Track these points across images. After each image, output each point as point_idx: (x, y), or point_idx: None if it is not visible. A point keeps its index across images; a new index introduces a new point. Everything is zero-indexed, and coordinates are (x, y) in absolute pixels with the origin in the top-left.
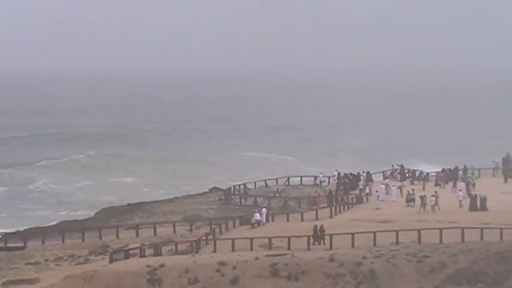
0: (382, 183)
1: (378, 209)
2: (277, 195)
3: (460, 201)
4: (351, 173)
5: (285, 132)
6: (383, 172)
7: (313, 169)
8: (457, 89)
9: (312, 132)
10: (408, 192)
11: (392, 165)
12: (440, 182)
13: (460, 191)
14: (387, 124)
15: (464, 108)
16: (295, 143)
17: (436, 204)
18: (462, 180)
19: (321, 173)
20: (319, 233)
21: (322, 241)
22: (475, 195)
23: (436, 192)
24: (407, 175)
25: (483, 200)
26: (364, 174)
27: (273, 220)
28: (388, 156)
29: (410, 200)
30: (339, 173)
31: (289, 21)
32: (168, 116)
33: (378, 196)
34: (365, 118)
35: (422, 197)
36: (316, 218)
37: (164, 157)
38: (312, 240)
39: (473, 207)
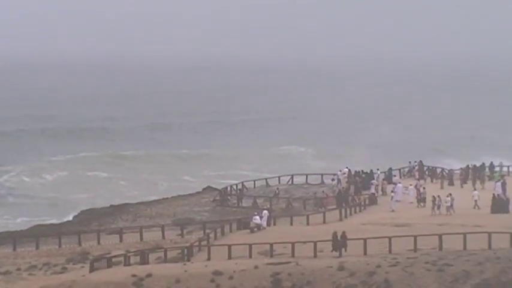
0: (399, 182)
1: (393, 211)
2: (278, 194)
3: (476, 201)
4: (362, 171)
5: (302, 123)
6: (399, 170)
7: (332, 165)
8: (487, 78)
9: (329, 123)
10: (419, 190)
11: (410, 162)
12: (459, 181)
13: (475, 191)
14: (410, 115)
15: (495, 99)
16: (314, 135)
17: (451, 205)
18: (498, 180)
19: (340, 170)
20: (340, 240)
21: (344, 249)
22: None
23: (450, 194)
24: (426, 173)
25: (506, 202)
26: (378, 172)
27: (274, 224)
28: (407, 151)
29: (421, 199)
30: (349, 170)
31: (307, 5)
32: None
33: (392, 197)
34: (386, 108)
35: (434, 198)
36: (324, 222)
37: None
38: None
39: (496, 209)
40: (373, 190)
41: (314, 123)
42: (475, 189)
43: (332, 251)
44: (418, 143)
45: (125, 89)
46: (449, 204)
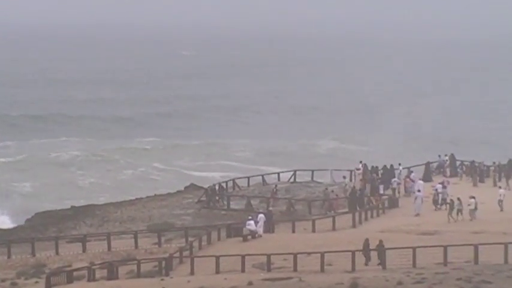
0: (419, 179)
1: (418, 215)
2: (275, 194)
3: (501, 201)
4: (376, 166)
5: (316, 111)
6: (428, 164)
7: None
8: None
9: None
10: (436, 190)
11: (440, 156)
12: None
13: (501, 188)
14: (438, 101)
15: None
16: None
17: (475, 209)
18: None
19: (361, 161)
20: (376, 249)
21: (383, 263)
22: None
23: (473, 197)
24: (459, 169)
25: None
26: (400, 168)
27: (273, 231)
28: (435, 143)
29: (436, 201)
30: (365, 165)
31: None
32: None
33: (416, 198)
34: (411, 91)
35: (452, 201)
36: (333, 228)
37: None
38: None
39: None
40: (394, 186)
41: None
42: (500, 187)
43: (378, 264)
44: (449, 133)
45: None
46: (472, 207)
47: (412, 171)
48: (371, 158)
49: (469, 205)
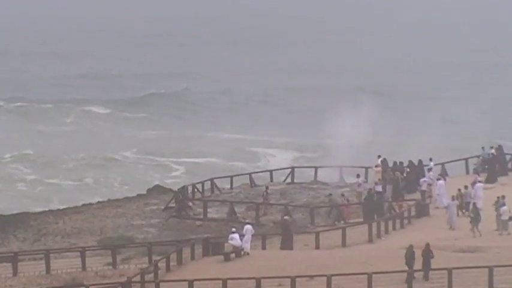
0: (440, 179)
1: (452, 228)
2: (265, 198)
3: None
4: (400, 162)
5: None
6: (466, 160)
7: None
8: None
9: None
10: (459, 191)
11: (483, 148)
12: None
13: None
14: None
15: None
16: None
17: (509, 220)
18: None
19: (380, 155)
20: (424, 257)
21: (426, 274)
22: None
23: (502, 196)
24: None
25: None
26: (431, 164)
27: (264, 247)
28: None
29: (460, 205)
30: (384, 160)
31: None
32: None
33: (448, 207)
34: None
35: (475, 206)
36: (343, 244)
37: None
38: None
39: None
40: (424, 188)
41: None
42: None
43: (407, 281)
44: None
45: None
46: (506, 217)
47: (430, 168)
48: (396, 151)
49: (501, 213)
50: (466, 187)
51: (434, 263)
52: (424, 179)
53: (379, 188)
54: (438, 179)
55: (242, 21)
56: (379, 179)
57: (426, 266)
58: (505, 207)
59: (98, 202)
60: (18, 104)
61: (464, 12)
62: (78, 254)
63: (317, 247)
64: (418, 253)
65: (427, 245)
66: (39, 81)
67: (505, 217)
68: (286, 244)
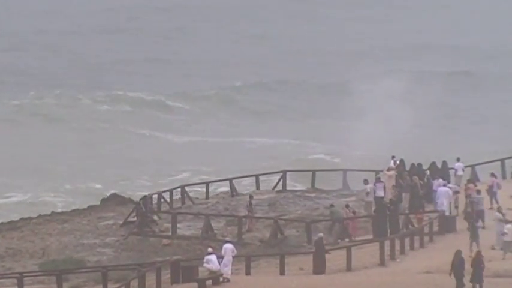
0: (446, 185)
1: (494, 248)
2: (250, 211)
3: None
4: (419, 164)
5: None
6: (502, 161)
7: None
8: None
9: None
10: (469, 195)
11: None
12: None
13: None
14: None
15: None
16: None
17: None
18: None
19: (394, 156)
20: (474, 267)
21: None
22: None
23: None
24: None
25: None
26: (460, 165)
27: (249, 272)
28: None
29: (469, 213)
30: (401, 161)
31: None
32: None
33: (499, 224)
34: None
35: (500, 218)
36: (348, 268)
37: None
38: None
39: None
40: (445, 204)
41: None
42: None
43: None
44: None
45: None
46: (509, 238)
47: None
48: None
49: (504, 232)
50: (478, 192)
51: None
52: (450, 184)
53: (380, 191)
54: (445, 185)
55: None
56: (392, 186)
57: (476, 277)
58: (509, 225)
59: (39, 216)
60: None
61: None
62: (15, 281)
63: (315, 272)
64: (441, 281)
65: (478, 253)
66: None
67: (508, 238)
68: (319, 267)
